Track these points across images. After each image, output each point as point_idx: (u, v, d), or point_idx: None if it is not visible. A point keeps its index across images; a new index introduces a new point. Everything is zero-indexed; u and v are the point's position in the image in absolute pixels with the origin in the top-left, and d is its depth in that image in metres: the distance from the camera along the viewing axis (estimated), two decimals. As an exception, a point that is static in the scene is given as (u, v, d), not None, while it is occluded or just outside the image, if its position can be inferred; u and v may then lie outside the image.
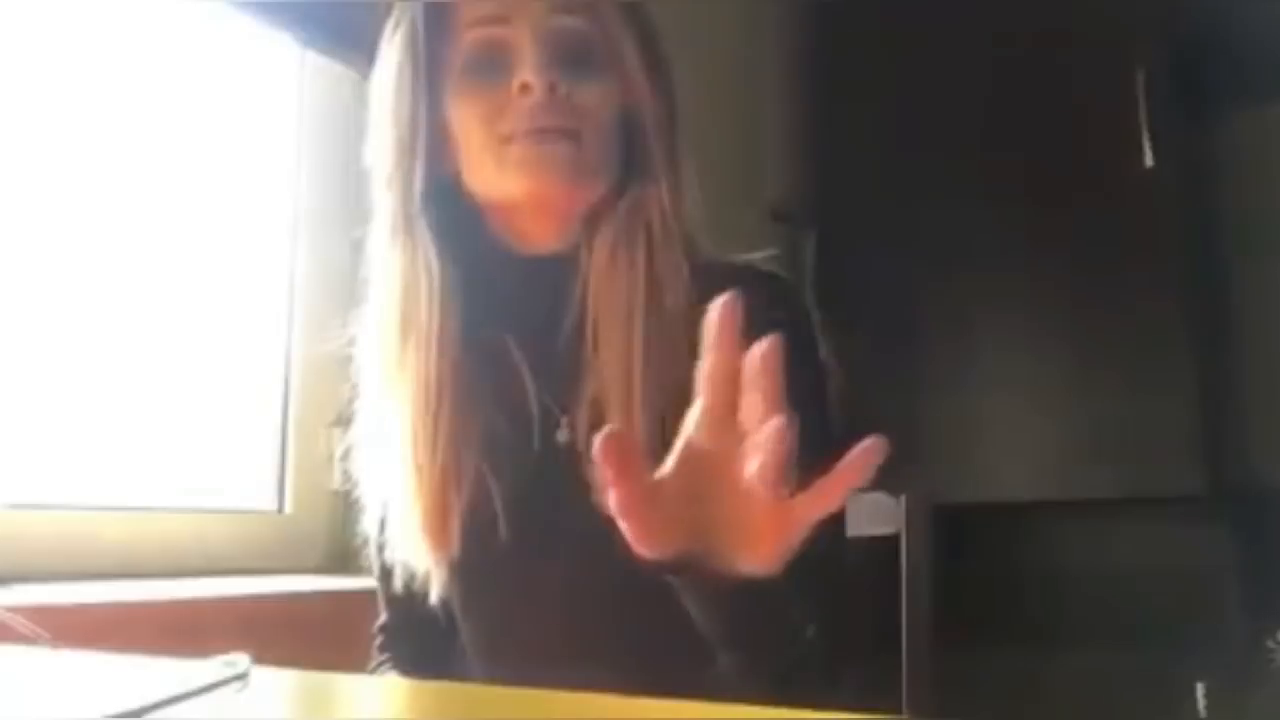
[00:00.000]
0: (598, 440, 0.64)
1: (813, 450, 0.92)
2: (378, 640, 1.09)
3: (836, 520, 0.95)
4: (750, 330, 0.90)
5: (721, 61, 2.30)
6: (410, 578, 0.98)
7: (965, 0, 2.30)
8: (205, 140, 1.60)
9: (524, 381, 0.97)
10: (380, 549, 1.02)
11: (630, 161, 0.98)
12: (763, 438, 0.64)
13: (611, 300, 0.94)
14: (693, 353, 0.85)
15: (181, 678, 0.59)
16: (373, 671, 1.06)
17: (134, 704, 0.53)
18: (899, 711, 1.04)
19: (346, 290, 1.70)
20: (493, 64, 0.96)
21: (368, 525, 1.02)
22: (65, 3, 1.43)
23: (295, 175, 1.69)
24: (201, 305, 1.58)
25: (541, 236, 0.99)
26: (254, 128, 1.68)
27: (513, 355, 0.98)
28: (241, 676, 0.62)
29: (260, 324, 1.65)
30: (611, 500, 0.65)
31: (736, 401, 0.67)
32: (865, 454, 0.65)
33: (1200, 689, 1.97)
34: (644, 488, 0.66)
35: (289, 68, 1.71)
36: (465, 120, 0.97)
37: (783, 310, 0.96)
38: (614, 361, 0.92)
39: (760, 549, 0.70)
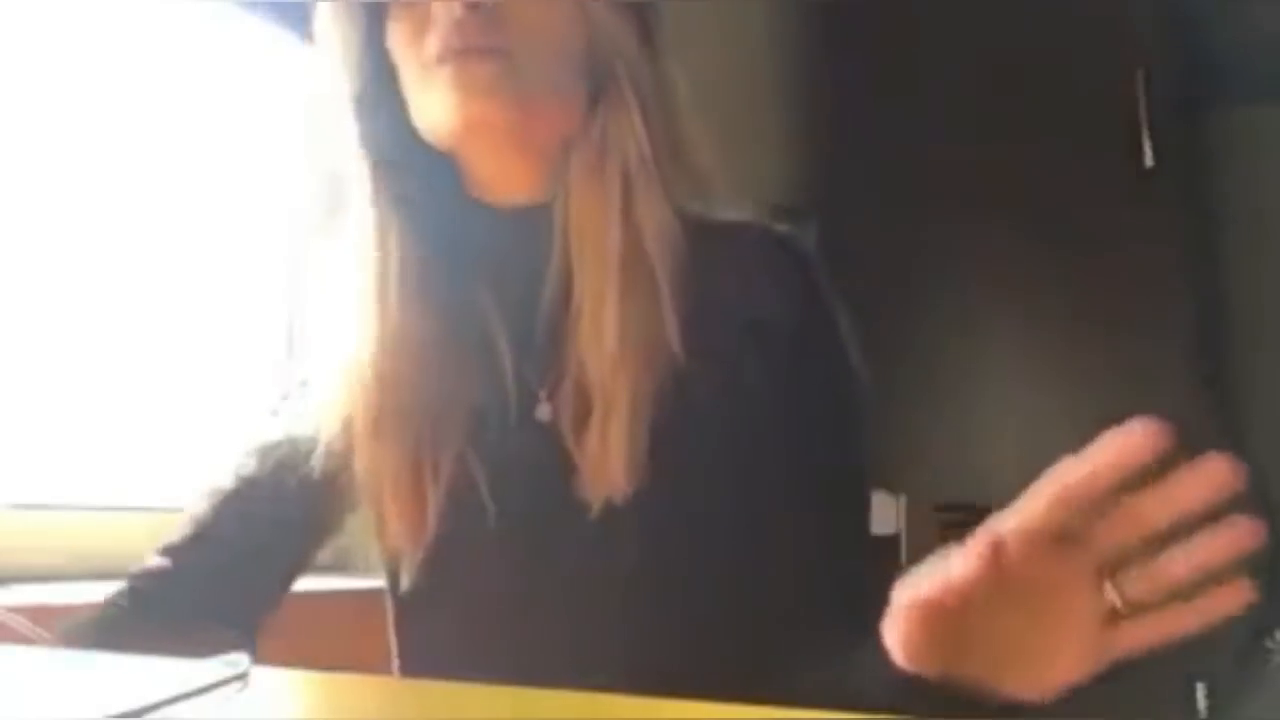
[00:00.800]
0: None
1: (837, 476, 0.88)
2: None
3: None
4: (758, 310, 0.85)
5: (721, 61, 2.30)
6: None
7: (966, 0, 2.30)
8: (206, 140, 1.60)
9: (501, 349, 0.87)
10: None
11: (600, 85, 0.86)
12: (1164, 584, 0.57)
13: (587, 256, 0.84)
14: (688, 328, 0.80)
15: (181, 678, 0.59)
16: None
17: (134, 704, 0.53)
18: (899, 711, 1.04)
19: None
20: None
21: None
22: (67, 1, 1.43)
23: (296, 176, 1.69)
24: (201, 306, 1.58)
25: (510, 181, 0.89)
26: (253, 126, 1.68)
27: (490, 319, 0.88)
28: (241, 676, 0.62)
29: (261, 324, 1.65)
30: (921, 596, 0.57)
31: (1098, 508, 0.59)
32: (1238, 590, 0.57)
33: (1200, 689, 1.97)
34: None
35: (292, 66, 1.71)
36: (397, 48, 0.87)
37: (802, 293, 0.91)
38: (589, 331, 0.83)
39: (1050, 676, 0.62)
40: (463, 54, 0.82)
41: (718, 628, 0.85)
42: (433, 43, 0.83)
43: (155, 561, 0.93)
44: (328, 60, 0.89)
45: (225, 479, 0.95)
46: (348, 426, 0.87)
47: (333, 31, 0.88)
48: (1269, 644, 1.95)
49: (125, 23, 1.50)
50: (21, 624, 0.81)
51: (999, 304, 2.26)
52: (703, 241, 0.87)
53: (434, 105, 0.84)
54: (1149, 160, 2.11)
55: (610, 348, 0.81)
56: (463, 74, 0.82)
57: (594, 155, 0.85)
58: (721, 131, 2.37)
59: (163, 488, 1.49)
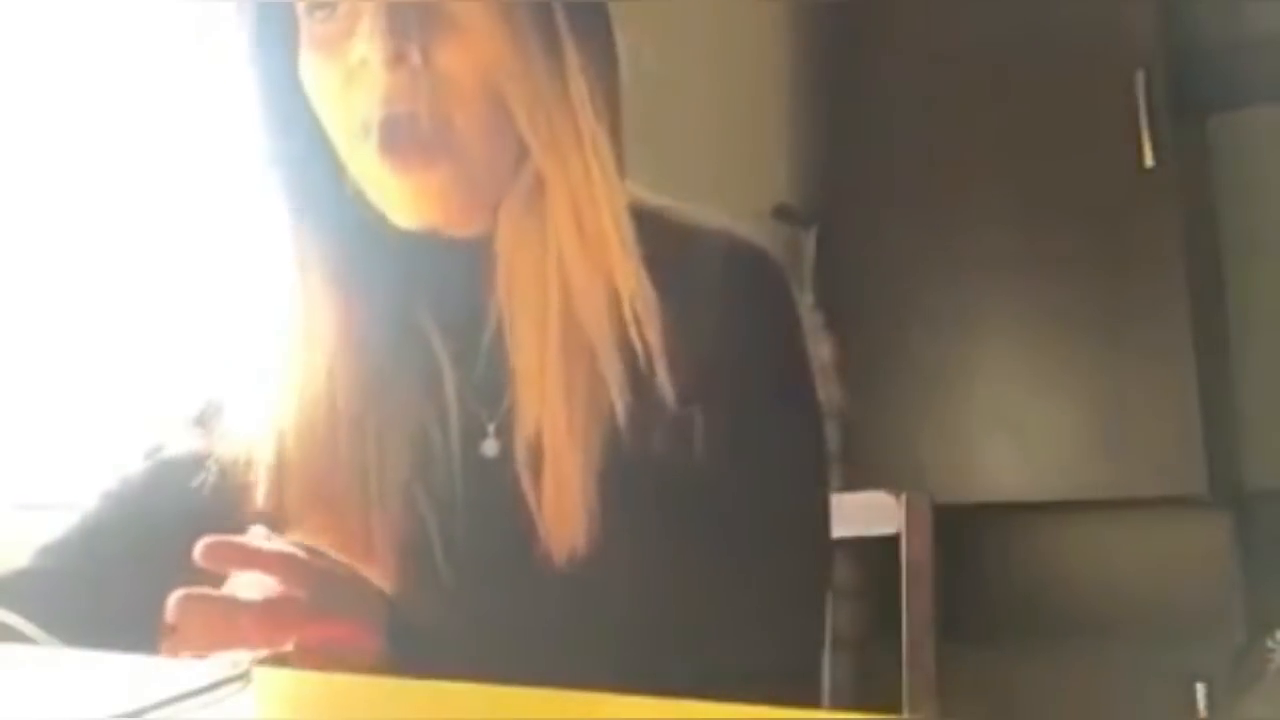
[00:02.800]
0: None
1: (803, 485, 0.85)
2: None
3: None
4: (728, 325, 0.80)
5: (721, 61, 2.30)
6: None
7: (965, 0, 2.30)
8: (205, 139, 1.60)
9: (444, 378, 0.83)
10: None
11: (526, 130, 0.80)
12: None
13: (522, 325, 0.80)
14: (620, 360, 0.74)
15: (181, 678, 0.59)
16: None
17: (134, 704, 0.53)
18: (899, 711, 1.04)
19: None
20: (333, 18, 0.78)
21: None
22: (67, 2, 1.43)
23: (221, 180, 1.69)
24: (202, 305, 1.58)
25: (447, 225, 0.83)
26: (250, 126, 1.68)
27: (432, 345, 0.84)
28: (241, 676, 0.62)
29: (262, 324, 1.65)
30: None
31: None
32: None
33: (1200, 689, 1.97)
34: None
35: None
36: (317, 99, 0.80)
37: (768, 303, 0.86)
38: (530, 396, 0.79)
39: None
40: (393, 124, 0.76)
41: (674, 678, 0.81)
42: (360, 100, 0.77)
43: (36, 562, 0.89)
44: (236, 79, 0.84)
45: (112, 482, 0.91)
46: (280, 450, 0.82)
47: (240, 57, 0.83)
48: (1269, 644, 1.95)
49: (127, 15, 1.50)
50: (22, 624, 0.81)
51: (999, 304, 2.26)
52: (664, 252, 0.82)
53: (362, 174, 0.80)
54: (1149, 160, 2.11)
55: (550, 413, 0.78)
56: (396, 159, 0.77)
57: (528, 208, 0.80)
58: (722, 132, 2.38)
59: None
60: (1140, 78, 2.13)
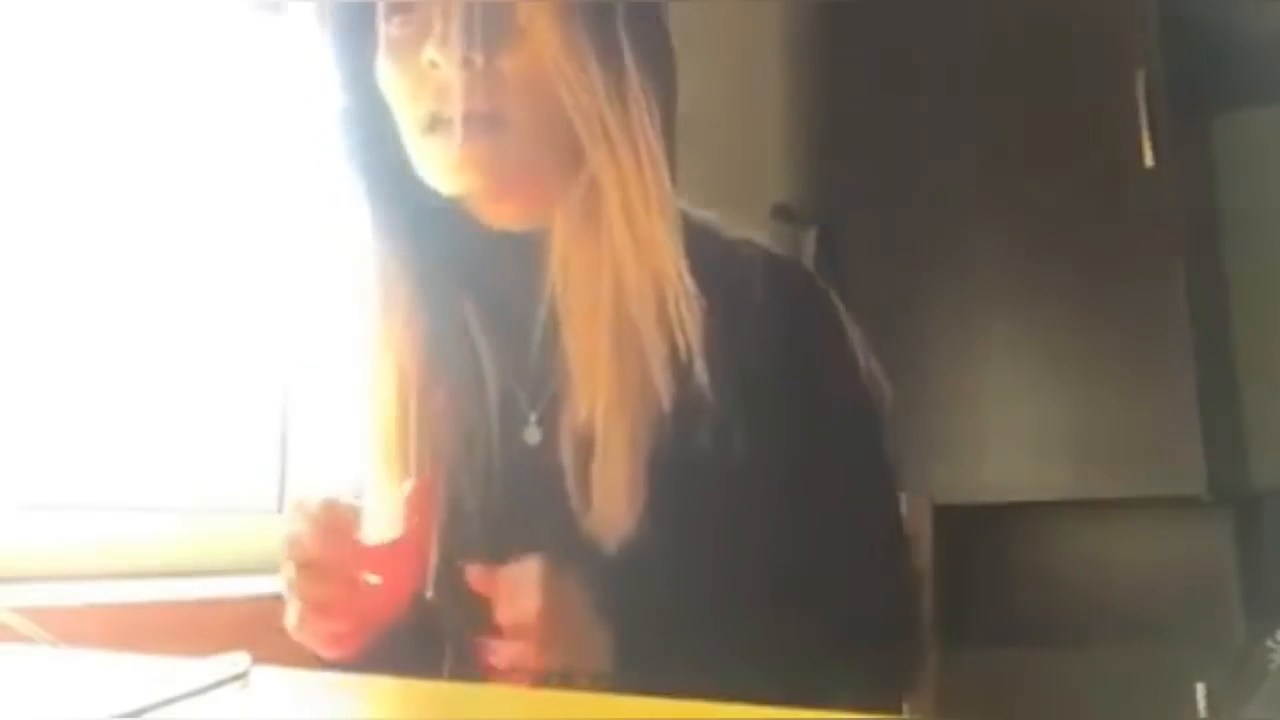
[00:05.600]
0: None
1: (868, 483, 0.90)
2: None
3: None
4: (778, 335, 0.86)
5: (722, 61, 2.30)
6: None
7: (967, 1, 2.30)
8: (207, 139, 1.60)
9: (486, 368, 0.89)
10: None
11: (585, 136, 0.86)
12: None
13: (576, 316, 0.85)
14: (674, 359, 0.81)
15: (181, 678, 0.59)
16: None
17: (134, 704, 0.53)
18: (899, 711, 1.04)
19: (349, 288, 1.70)
20: (410, 21, 0.85)
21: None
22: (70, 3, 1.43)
23: (298, 175, 1.69)
24: (202, 306, 1.58)
25: (500, 218, 0.90)
26: (256, 122, 1.68)
27: (476, 336, 0.90)
28: (241, 676, 0.62)
29: (261, 324, 1.65)
30: None
31: None
32: None
33: (1200, 689, 1.97)
34: None
35: (301, 63, 1.71)
36: (390, 95, 0.87)
37: (813, 312, 0.92)
38: (582, 386, 0.84)
39: None
40: (453, 124, 0.82)
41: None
42: (427, 100, 0.84)
43: None
44: (320, 83, 0.91)
45: None
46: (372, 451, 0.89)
47: (322, 57, 0.90)
48: (1269, 644, 1.95)
49: (139, 14, 1.50)
50: (22, 624, 0.81)
51: (999, 304, 2.26)
52: (708, 259, 0.87)
53: (430, 172, 0.86)
54: (1149, 160, 2.10)
55: (603, 402, 0.83)
56: (458, 151, 0.83)
57: (584, 208, 0.85)
58: (723, 133, 2.38)
59: (163, 489, 1.50)
60: (1140, 78, 2.12)
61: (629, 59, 0.85)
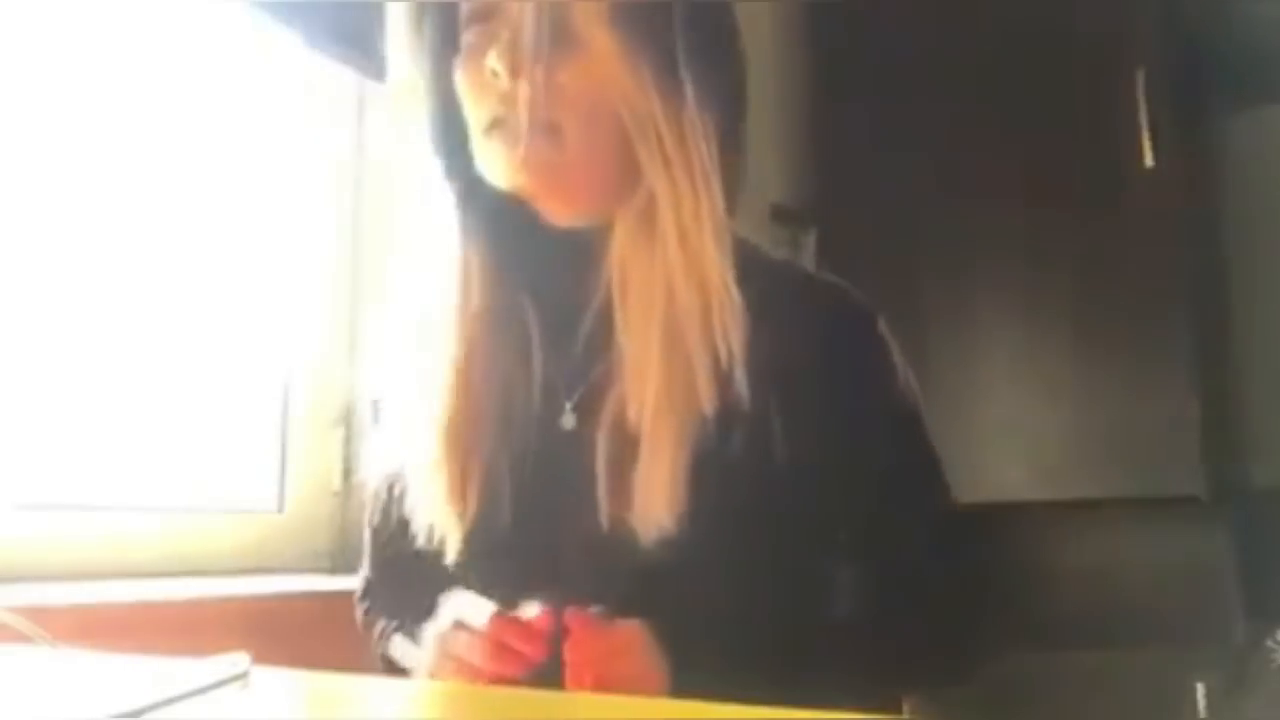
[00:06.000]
0: None
1: (915, 501, 0.97)
2: (360, 594, 1.11)
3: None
4: (827, 357, 0.91)
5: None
6: (412, 536, 0.96)
7: (965, 0, 2.30)
8: (206, 139, 1.60)
9: (534, 356, 0.95)
10: (385, 504, 1.02)
11: (643, 150, 0.90)
12: None
13: (632, 316, 0.90)
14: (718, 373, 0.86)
15: (181, 678, 0.59)
16: (367, 625, 1.08)
17: (134, 704, 0.53)
18: (899, 711, 1.04)
19: (348, 290, 1.70)
20: (485, 30, 0.91)
21: (379, 480, 1.02)
22: (70, 1, 1.43)
23: (297, 175, 1.69)
24: (202, 305, 1.58)
25: (562, 218, 0.95)
26: (256, 125, 1.68)
27: (528, 326, 0.96)
28: (241, 676, 0.62)
29: (261, 324, 1.65)
30: None
31: None
32: None
33: (1200, 689, 1.97)
34: None
35: (293, 65, 1.71)
36: (461, 98, 0.93)
37: (856, 329, 0.98)
38: (633, 383, 0.89)
39: None
40: (509, 129, 0.88)
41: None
42: (489, 104, 0.90)
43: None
44: (406, 90, 0.97)
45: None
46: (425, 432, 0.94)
47: (408, 65, 0.96)
48: (1269, 644, 1.95)
49: (127, 21, 1.50)
50: (22, 624, 0.81)
51: (998, 303, 2.26)
52: (752, 279, 0.91)
53: (486, 164, 0.92)
54: (1149, 160, 2.10)
55: (652, 402, 0.87)
56: (512, 153, 0.89)
57: (641, 219, 0.91)
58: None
59: (163, 489, 1.49)
60: (1140, 78, 2.12)
61: (687, 78, 0.90)
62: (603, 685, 0.78)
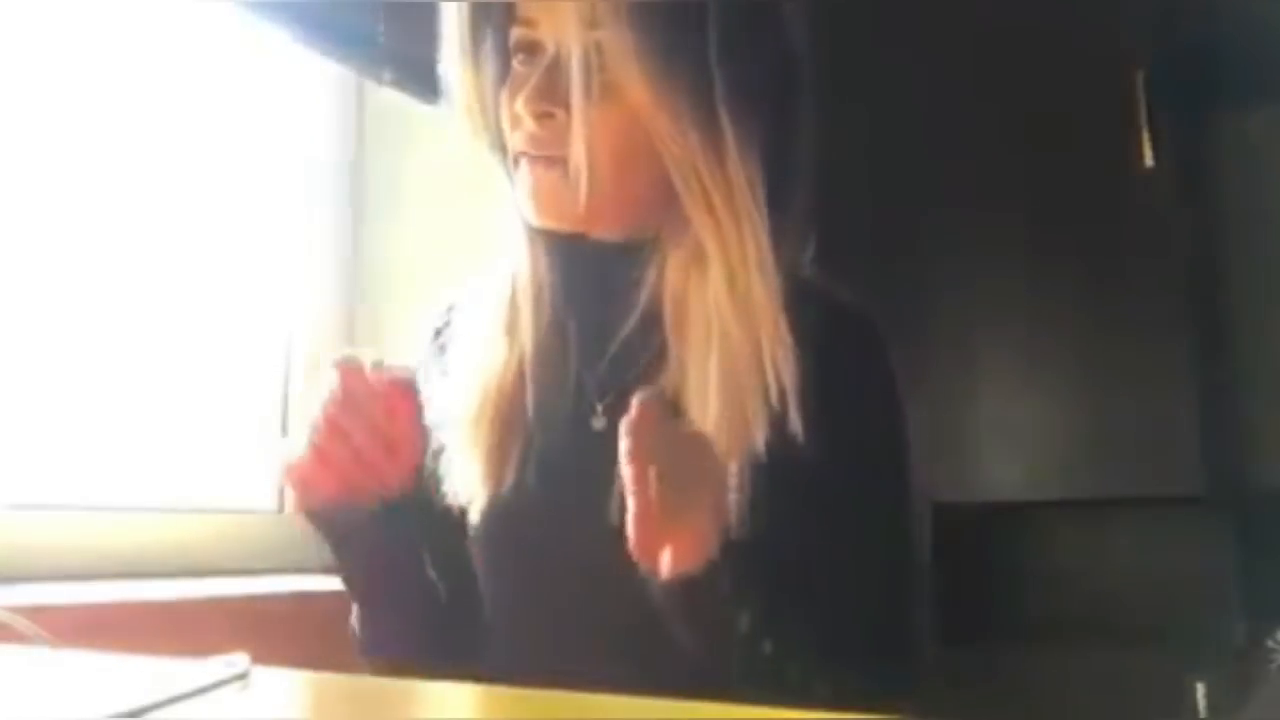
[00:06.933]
0: None
1: (887, 517, 0.98)
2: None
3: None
4: (845, 386, 0.92)
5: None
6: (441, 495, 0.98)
7: (965, 0, 2.30)
8: (205, 139, 1.60)
9: (570, 360, 0.98)
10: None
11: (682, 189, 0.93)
12: None
13: (690, 339, 0.93)
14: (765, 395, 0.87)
15: (181, 678, 0.59)
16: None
17: (134, 704, 0.53)
18: (899, 711, 1.04)
19: (347, 289, 1.71)
20: (528, 60, 0.94)
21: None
22: (69, 3, 1.43)
23: (296, 175, 1.69)
24: (202, 305, 1.58)
25: (600, 235, 0.98)
26: (254, 125, 1.68)
27: (567, 331, 0.99)
28: (241, 676, 0.62)
29: (260, 324, 1.65)
30: None
31: None
32: None
33: (1200, 689, 1.97)
34: None
35: (290, 66, 1.71)
36: (502, 124, 0.97)
37: (876, 364, 1.00)
38: (695, 402, 0.91)
39: None
40: (532, 160, 0.92)
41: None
42: (514, 140, 0.94)
43: None
44: (468, 116, 1.00)
45: None
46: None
47: (467, 88, 0.98)
48: (1269, 644, 1.95)
49: (125, 22, 1.50)
50: (22, 624, 0.81)
51: (998, 304, 2.26)
52: (799, 310, 0.94)
53: (516, 190, 0.96)
54: (1149, 160, 2.10)
55: (712, 422, 0.89)
56: (531, 182, 0.92)
57: (693, 257, 0.93)
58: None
59: (163, 488, 1.50)
60: (1140, 78, 2.12)
61: (728, 132, 0.91)
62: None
